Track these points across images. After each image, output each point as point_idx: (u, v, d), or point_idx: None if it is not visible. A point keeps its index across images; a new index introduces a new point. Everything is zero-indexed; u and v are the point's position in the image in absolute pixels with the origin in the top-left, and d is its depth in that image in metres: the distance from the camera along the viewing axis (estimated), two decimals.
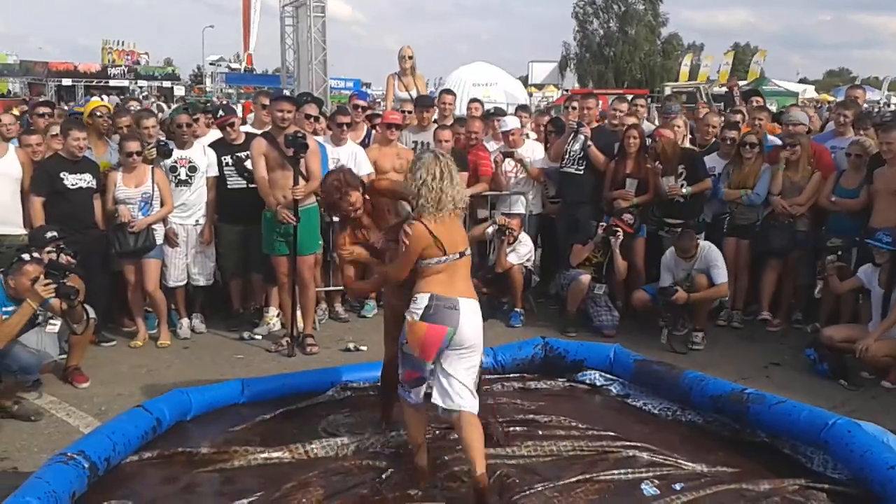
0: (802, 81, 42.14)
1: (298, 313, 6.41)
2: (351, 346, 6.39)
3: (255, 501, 3.74)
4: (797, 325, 7.01)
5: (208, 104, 15.93)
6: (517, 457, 4.20)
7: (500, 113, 8.25)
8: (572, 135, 7.25)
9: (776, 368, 6.07)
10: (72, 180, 6.11)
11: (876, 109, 22.29)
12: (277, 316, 6.87)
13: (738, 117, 8.01)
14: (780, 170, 6.79)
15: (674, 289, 6.40)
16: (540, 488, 3.85)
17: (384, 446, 4.33)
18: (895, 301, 5.71)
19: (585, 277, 6.81)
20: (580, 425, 4.58)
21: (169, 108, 15.24)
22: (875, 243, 5.78)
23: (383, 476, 3.99)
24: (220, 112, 7.07)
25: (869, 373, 5.77)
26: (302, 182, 6.04)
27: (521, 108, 9.13)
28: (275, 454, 4.21)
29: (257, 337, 6.61)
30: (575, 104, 8.31)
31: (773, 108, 11.21)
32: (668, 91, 23.68)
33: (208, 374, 5.65)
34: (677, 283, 6.48)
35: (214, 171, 6.65)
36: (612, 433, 4.46)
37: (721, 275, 6.46)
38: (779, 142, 7.23)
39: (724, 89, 19.66)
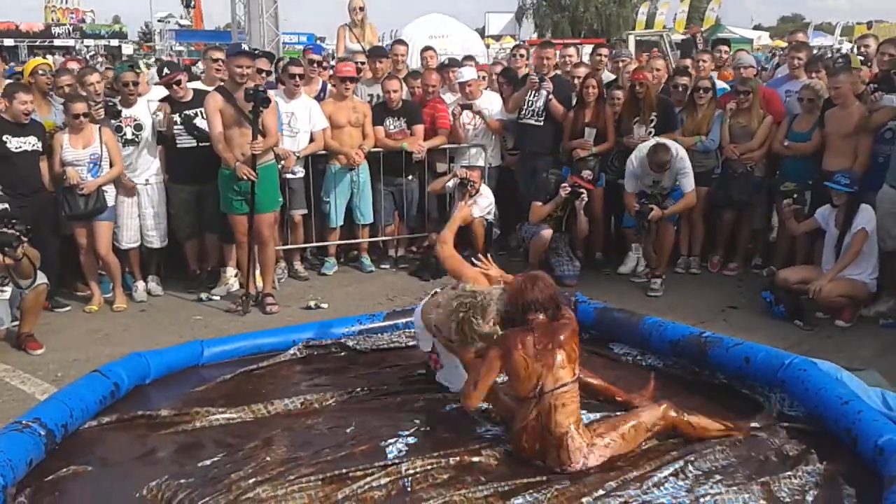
0: (757, 28, 42.29)
1: (257, 272, 6.34)
2: (312, 303, 6.33)
3: (219, 462, 3.71)
4: (755, 270, 7.11)
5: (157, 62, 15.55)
6: None
7: (454, 64, 8.11)
8: (535, 88, 7.18)
9: (734, 312, 6.16)
10: (16, 143, 5.90)
11: (829, 54, 22.48)
12: (235, 276, 6.77)
13: (688, 61, 8.00)
14: (725, 121, 6.81)
15: (649, 207, 6.42)
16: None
17: (348, 403, 4.33)
18: (848, 243, 5.81)
19: (547, 232, 6.79)
20: None
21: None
22: (833, 186, 5.84)
23: (347, 431, 3.98)
24: (165, 70, 6.84)
25: (823, 313, 5.89)
26: (261, 137, 5.90)
27: (468, 59, 8.96)
28: (236, 414, 4.17)
29: (215, 298, 6.52)
30: (522, 52, 8.25)
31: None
32: (631, 40, 23.57)
33: (166, 336, 5.56)
34: (647, 196, 6.50)
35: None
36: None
37: (689, 183, 6.46)
38: (728, 88, 7.26)
39: (686, 36, 19.65)
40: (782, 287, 6.00)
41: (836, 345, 5.43)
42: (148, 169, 6.50)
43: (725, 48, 8.47)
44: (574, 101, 7.20)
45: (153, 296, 6.61)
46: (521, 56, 7.94)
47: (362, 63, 7.63)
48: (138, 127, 6.40)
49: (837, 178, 5.86)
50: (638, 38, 24.01)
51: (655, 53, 10.01)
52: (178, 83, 6.51)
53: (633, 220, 6.73)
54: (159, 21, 46.84)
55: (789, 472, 3.53)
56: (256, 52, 7.62)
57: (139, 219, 6.50)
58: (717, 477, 3.53)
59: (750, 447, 3.81)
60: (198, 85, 6.85)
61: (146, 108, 6.47)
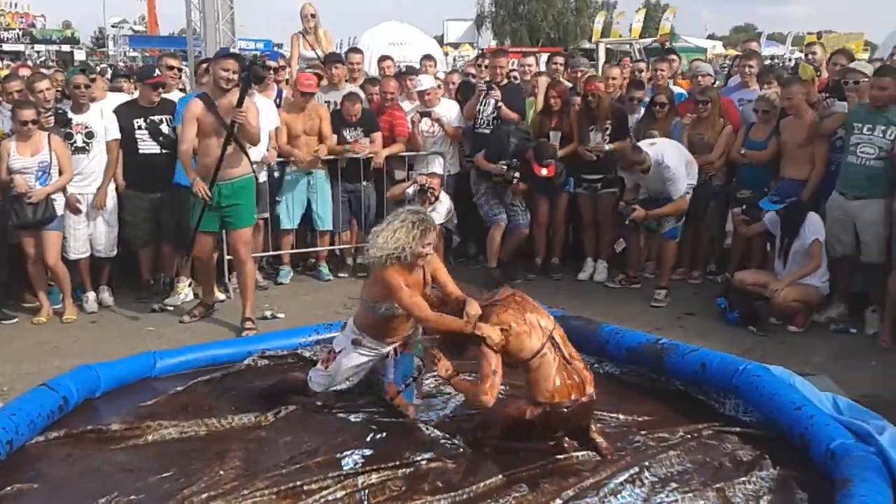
0: (711, 37, 43.03)
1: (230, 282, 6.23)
2: (268, 313, 6.24)
3: (171, 477, 3.64)
4: (710, 277, 7.20)
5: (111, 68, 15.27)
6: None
7: (412, 72, 8.10)
8: (483, 96, 7.19)
9: (690, 318, 6.22)
10: None
11: (781, 64, 22.94)
12: (190, 285, 6.68)
13: (645, 76, 8.06)
14: (683, 133, 6.86)
15: (631, 207, 6.46)
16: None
17: (303, 415, 4.27)
18: (795, 252, 5.92)
19: (502, 223, 6.87)
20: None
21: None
22: (766, 206, 6.02)
23: (303, 444, 3.92)
24: (157, 72, 6.70)
25: (776, 318, 5.97)
26: (249, 105, 5.56)
27: (427, 58, 8.96)
28: (189, 428, 4.10)
29: (169, 308, 6.40)
30: (487, 62, 8.27)
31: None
32: (601, 48, 23.79)
33: (118, 348, 5.42)
34: (634, 199, 6.55)
35: (115, 135, 6.34)
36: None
37: (676, 190, 6.37)
38: (686, 94, 7.36)
39: (657, 44, 19.88)
40: (739, 288, 6.10)
41: (789, 350, 5.50)
42: (100, 177, 6.35)
43: (674, 57, 8.58)
44: (534, 109, 7.23)
45: (104, 307, 6.45)
46: (487, 67, 8.00)
47: (318, 75, 7.56)
48: (89, 134, 6.25)
49: (770, 196, 6.03)
50: (608, 46, 24.26)
51: (626, 62, 10.15)
52: (164, 86, 6.43)
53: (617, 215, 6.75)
54: (113, 26, 46.15)
55: (744, 478, 3.57)
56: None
57: (87, 228, 6.35)
58: (673, 484, 3.56)
59: (705, 453, 3.84)
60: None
61: (99, 115, 6.33)
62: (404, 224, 3.83)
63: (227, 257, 6.56)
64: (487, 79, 7.57)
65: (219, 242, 6.27)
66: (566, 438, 3.90)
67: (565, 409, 3.71)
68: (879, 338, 5.59)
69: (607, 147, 6.90)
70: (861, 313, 5.92)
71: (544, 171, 6.70)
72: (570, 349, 3.85)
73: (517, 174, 6.74)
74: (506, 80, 7.54)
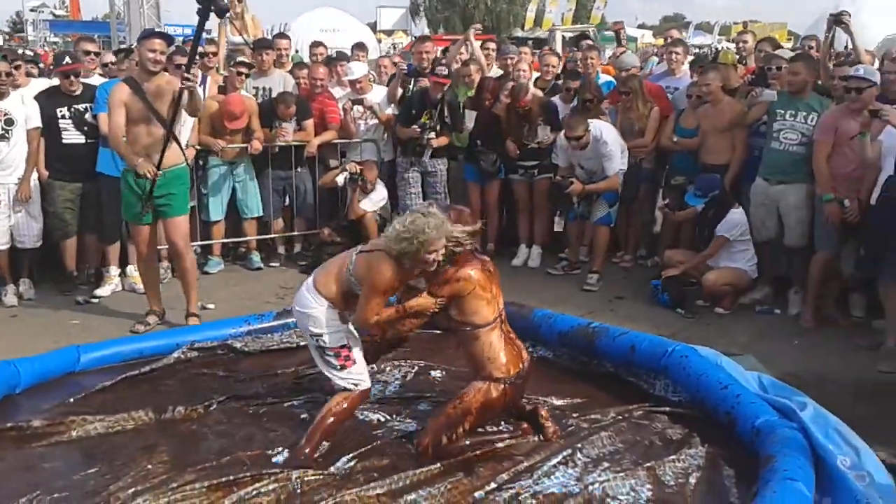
0: (641, 27, 43.66)
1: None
2: (198, 304, 6.11)
3: (96, 473, 3.53)
4: (640, 261, 7.32)
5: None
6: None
7: (342, 58, 8.00)
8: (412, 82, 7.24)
9: (620, 302, 6.32)
10: None
11: (710, 53, 23.38)
12: (119, 276, 6.51)
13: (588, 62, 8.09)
14: (616, 119, 6.97)
15: (569, 181, 6.49)
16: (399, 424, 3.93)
17: (235, 407, 4.19)
18: (715, 235, 6.10)
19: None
20: (440, 365, 4.65)
21: None
22: (691, 202, 6.22)
23: (235, 437, 3.85)
24: (67, 59, 6.42)
25: (704, 301, 6.12)
26: (196, 70, 5.31)
27: (358, 47, 8.88)
28: (116, 422, 3.97)
29: (95, 300, 6.21)
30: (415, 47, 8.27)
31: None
32: (558, 35, 23.79)
33: (40, 342, 5.22)
34: (572, 175, 6.59)
35: (36, 123, 6.10)
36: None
37: (612, 166, 6.48)
38: (614, 81, 7.45)
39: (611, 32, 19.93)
40: (668, 265, 6.33)
41: (716, 331, 5.65)
42: (20, 166, 6.10)
43: (589, 41, 8.72)
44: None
45: (25, 300, 6.23)
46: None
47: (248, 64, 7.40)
48: (9, 122, 5.99)
49: (693, 191, 6.21)
50: (565, 33, 24.25)
51: (546, 51, 10.20)
52: (77, 74, 6.19)
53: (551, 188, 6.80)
54: (32, 10, 44.34)
55: (673, 456, 3.64)
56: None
57: (8, 219, 6.11)
58: (605, 464, 3.62)
59: (636, 433, 3.91)
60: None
61: (20, 102, 6.08)
62: (435, 222, 3.50)
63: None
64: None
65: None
66: (522, 423, 3.94)
67: (520, 380, 3.76)
68: (802, 318, 5.77)
69: (552, 136, 6.95)
70: (784, 295, 6.10)
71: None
72: (506, 324, 3.89)
73: (433, 135, 6.79)
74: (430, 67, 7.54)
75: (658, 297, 6.18)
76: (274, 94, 7.17)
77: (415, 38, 12.27)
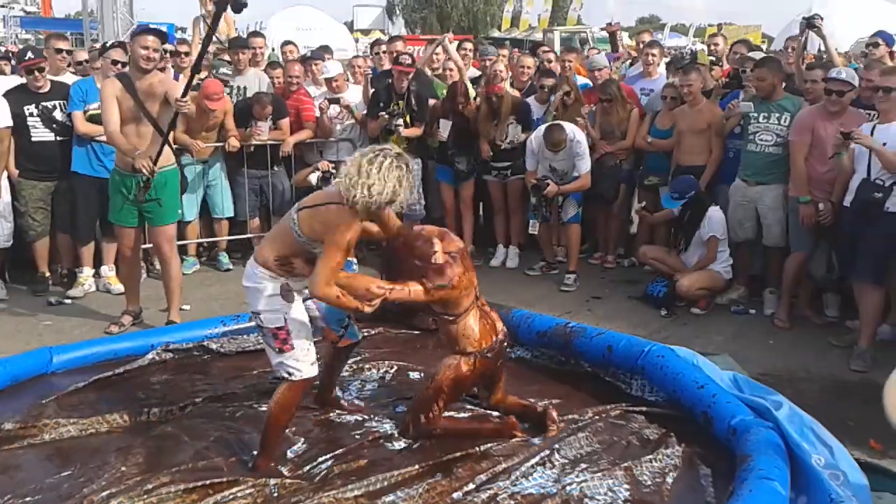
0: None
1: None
2: None
3: (69, 476, 3.46)
4: (617, 261, 7.35)
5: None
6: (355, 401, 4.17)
7: (317, 56, 7.96)
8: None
9: (597, 302, 6.35)
10: None
11: (685, 55, 23.55)
12: (94, 275, 6.45)
13: (555, 65, 8.11)
14: (595, 120, 6.99)
15: (545, 183, 6.52)
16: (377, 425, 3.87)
17: (210, 409, 4.14)
18: (695, 243, 6.18)
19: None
20: (418, 366, 4.62)
21: None
22: (667, 204, 6.30)
23: (210, 440, 3.80)
24: (29, 54, 6.31)
25: (680, 301, 6.15)
26: (191, 102, 5.14)
27: (323, 49, 8.80)
28: (89, 424, 3.92)
29: (67, 301, 6.13)
30: (384, 47, 8.26)
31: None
32: (556, 35, 23.81)
33: (11, 343, 5.18)
34: (546, 176, 6.60)
35: (7, 122, 6.00)
36: None
37: (584, 165, 6.55)
38: (590, 83, 7.47)
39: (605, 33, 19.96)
40: (641, 260, 6.62)
41: (693, 331, 5.69)
42: None
43: (544, 48, 8.77)
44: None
45: None
46: (384, 54, 7.99)
47: (227, 61, 7.34)
48: None
49: (668, 193, 6.27)
50: (563, 34, 24.26)
51: (517, 53, 10.21)
52: (42, 70, 6.09)
53: (532, 214, 6.79)
54: (2, 7, 43.73)
55: (650, 456, 3.65)
56: (114, 42, 7.15)
57: None
58: (583, 465, 3.61)
59: (613, 433, 3.92)
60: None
61: None
62: (398, 170, 3.22)
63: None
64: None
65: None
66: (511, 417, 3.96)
67: (491, 353, 3.80)
68: (776, 318, 5.83)
69: (523, 136, 6.95)
70: (760, 295, 6.16)
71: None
72: (481, 298, 3.93)
73: (400, 123, 6.82)
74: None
75: (650, 288, 6.22)
76: (249, 93, 7.12)
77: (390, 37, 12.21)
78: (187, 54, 7.38)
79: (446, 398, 3.79)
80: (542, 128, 6.61)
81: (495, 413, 4.07)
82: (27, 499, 3.28)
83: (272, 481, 3.42)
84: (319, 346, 3.80)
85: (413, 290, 3.66)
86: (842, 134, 5.03)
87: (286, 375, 3.52)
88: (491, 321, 3.88)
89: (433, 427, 3.80)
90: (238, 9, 4.77)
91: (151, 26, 6.09)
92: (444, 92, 7.34)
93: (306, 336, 3.55)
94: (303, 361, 3.51)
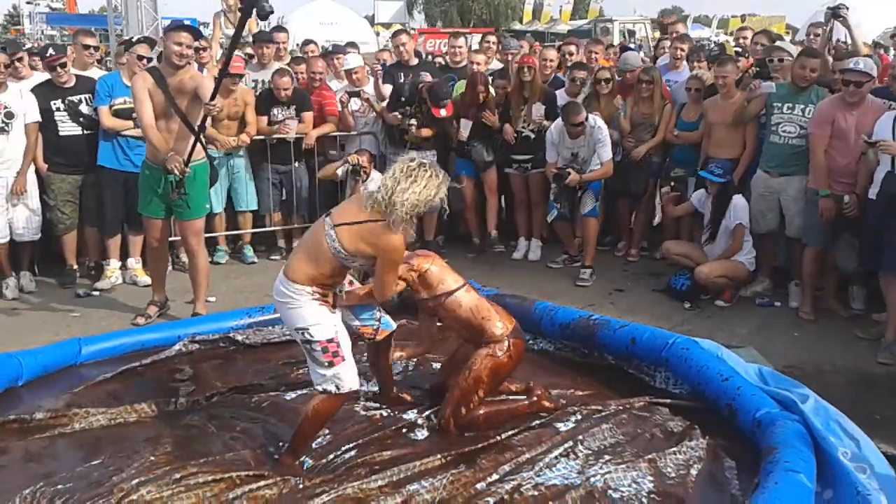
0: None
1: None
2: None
3: (99, 464, 3.51)
4: (642, 253, 7.32)
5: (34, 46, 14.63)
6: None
7: (339, 51, 7.98)
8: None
9: (620, 294, 6.33)
10: None
11: (708, 45, 23.36)
12: (120, 268, 6.52)
13: (577, 58, 8.05)
14: (626, 113, 6.93)
15: (567, 172, 6.50)
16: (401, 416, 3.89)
17: (236, 399, 4.20)
18: (722, 231, 6.09)
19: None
20: (441, 357, 4.60)
21: None
22: (707, 175, 6.13)
23: (237, 430, 3.85)
24: (50, 51, 6.41)
25: (705, 293, 6.12)
26: (221, 100, 5.15)
27: (350, 45, 8.83)
28: (118, 414, 3.98)
29: (95, 293, 6.21)
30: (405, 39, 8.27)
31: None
32: (616, 25, 23.73)
33: (41, 335, 5.25)
34: (568, 165, 6.57)
35: (35, 117, 6.09)
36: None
37: (606, 153, 6.52)
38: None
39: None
40: (664, 256, 6.54)
41: (717, 324, 5.66)
42: (19, 160, 6.08)
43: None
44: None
45: (26, 293, 6.23)
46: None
47: (248, 54, 7.41)
48: (9, 115, 5.98)
49: (711, 167, 6.14)
50: (622, 25, 24.20)
51: (538, 47, 10.15)
52: (63, 66, 6.18)
53: (553, 203, 6.75)
54: (28, 3, 44.19)
55: (674, 448, 3.64)
56: (140, 38, 7.22)
57: (7, 212, 6.10)
58: (607, 456, 3.62)
59: (637, 425, 3.92)
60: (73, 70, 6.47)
61: (19, 96, 6.07)
62: (430, 177, 3.35)
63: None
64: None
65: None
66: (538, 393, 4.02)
67: (520, 333, 3.87)
68: (800, 311, 5.78)
69: (546, 123, 6.91)
70: (785, 287, 6.11)
71: (443, 112, 6.81)
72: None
73: (413, 121, 6.84)
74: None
75: (673, 280, 6.20)
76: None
77: (413, 30, 12.23)
78: (205, 49, 7.41)
79: (486, 388, 3.78)
80: (561, 116, 6.60)
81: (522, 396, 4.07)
82: (58, 486, 3.33)
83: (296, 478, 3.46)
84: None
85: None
86: (866, 143, 5.01)
87: (333, 390, 3.49)
88: (500, 309, 3.93)
89: (475, 418, 3.79)
90: (264, 16, 4.79)
91: (186, 22, 6.11)
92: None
93: (349, 347, 3.56)
94: (350, 373, 3.52)
